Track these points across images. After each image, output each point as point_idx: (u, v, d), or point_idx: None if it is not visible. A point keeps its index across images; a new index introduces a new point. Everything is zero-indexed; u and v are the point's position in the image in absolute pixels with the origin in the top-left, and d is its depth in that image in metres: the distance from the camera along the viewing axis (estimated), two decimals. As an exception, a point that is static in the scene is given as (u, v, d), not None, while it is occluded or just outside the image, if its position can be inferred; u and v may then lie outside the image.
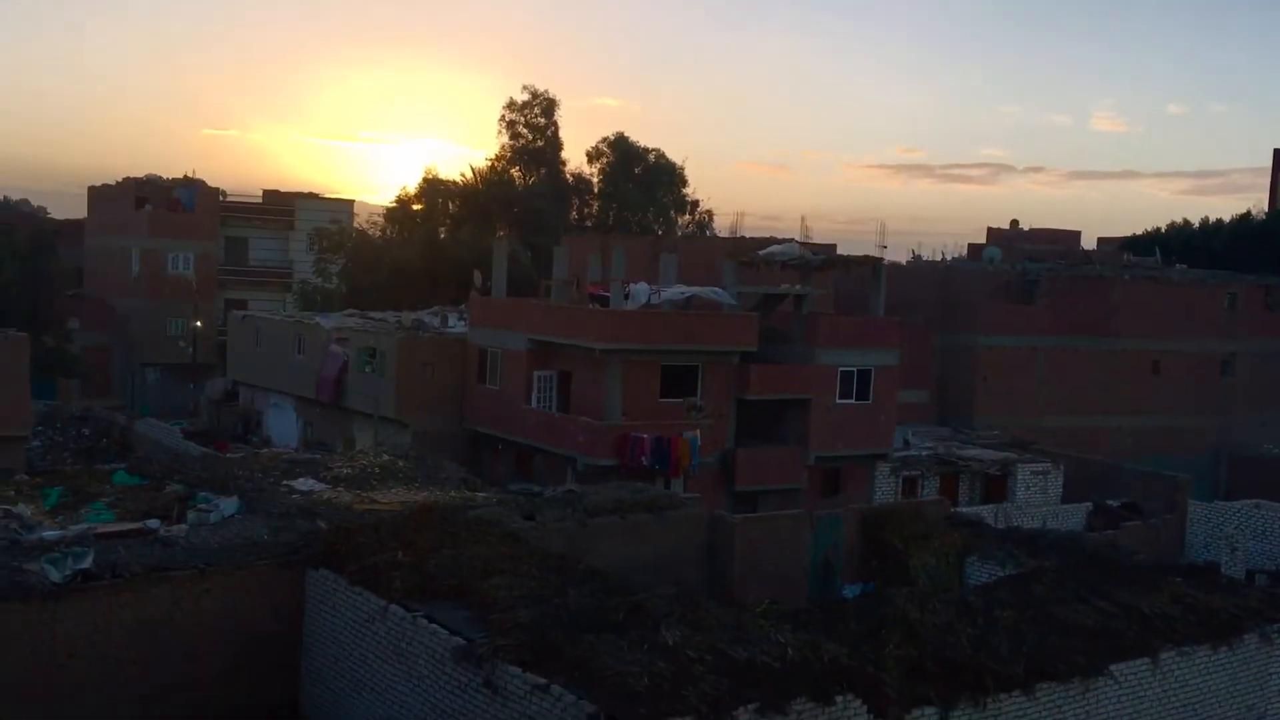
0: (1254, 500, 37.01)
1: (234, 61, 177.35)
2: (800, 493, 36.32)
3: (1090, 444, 46.13)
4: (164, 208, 61.31)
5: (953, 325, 47.30)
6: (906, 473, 38.90)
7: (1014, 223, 61.90)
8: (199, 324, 58.06)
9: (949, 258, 54.98)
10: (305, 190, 69.06)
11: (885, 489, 38.29)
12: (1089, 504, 38.44)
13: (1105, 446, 46.97)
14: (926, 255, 55.34)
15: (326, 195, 69.79)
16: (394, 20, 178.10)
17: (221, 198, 64.08)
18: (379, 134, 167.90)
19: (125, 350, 59.77)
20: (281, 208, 65.74)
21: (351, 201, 69.48)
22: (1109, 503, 38.27)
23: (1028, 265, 50.26)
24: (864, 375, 37.56)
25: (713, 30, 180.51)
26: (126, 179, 63.68)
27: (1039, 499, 39.34)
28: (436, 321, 43.87)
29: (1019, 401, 47.09)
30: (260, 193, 68.21)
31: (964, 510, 33.99)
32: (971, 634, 17.07)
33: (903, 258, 55.25)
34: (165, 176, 64.04)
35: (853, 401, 37.46)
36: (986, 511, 35.03)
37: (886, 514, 26.50)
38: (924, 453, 40.44)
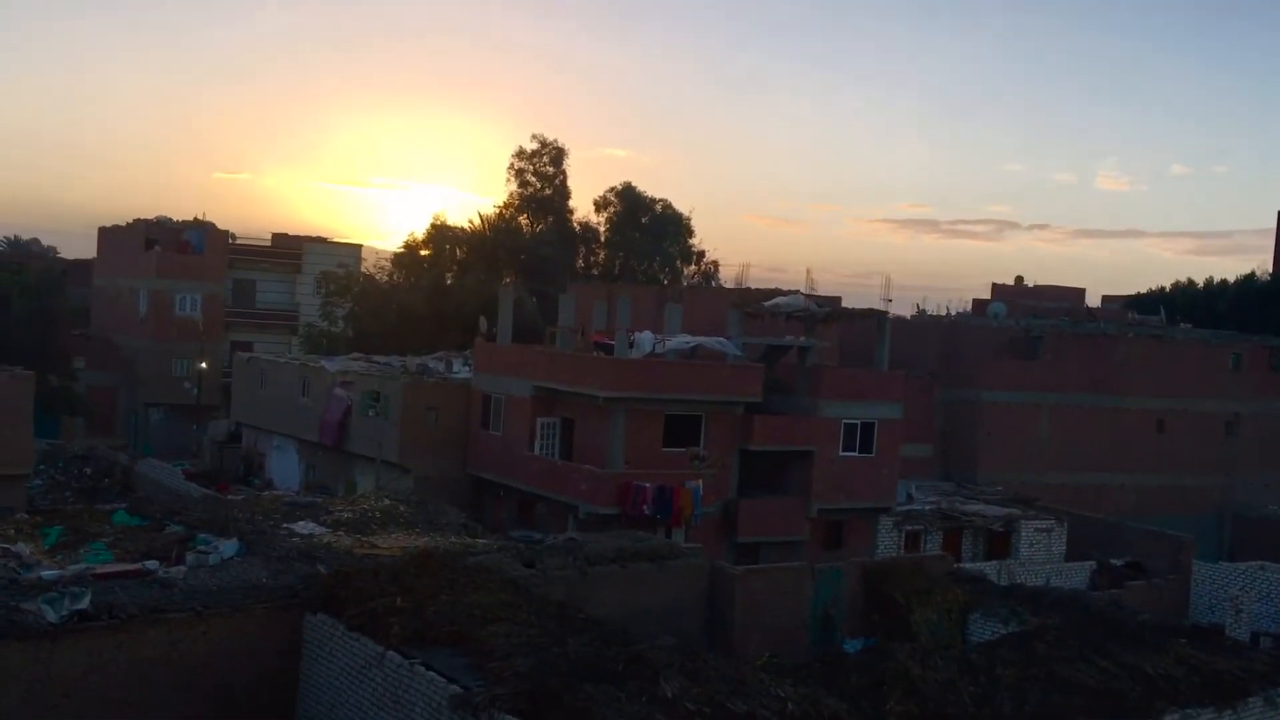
0: (1259, 562, 36.76)
1: (247, 106, 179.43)
2: (802, 545, 36.19)
3: (1094, 502, 45.95)
4: (173, 249, 61.69)
5: (957, 380, 47.31)
6: (909, 527, 38.74)
7: (1019, 279, 62.12)
8: (204, 365, 58.20)
9: (954, 312, 55.15)
10: (314, 234, 69.54)
11: (888, 543, 38.15)
12: (1092, 562, 38.21)
13: (1109, 504, 46.77)
14: (931, 310, 55.55)
15: (335, 240, 70.24)
16: (406, 68, 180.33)
17: (230, 240, 64.47)
18: (389, 180, 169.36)
19: (130, 390, 59.88)
20: (290, 251, 66.13)
21: (359, 246, 69.92)
22: (1113, 561, 38.03)
23: (1032, 321, 50.39)
24: (867, 428, 37.52)
25: (722, 84, 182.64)
26: (137, 220, 64.15)
27: (1042, 556, 39.12)
28: (441, 367, 43.96)
29: (1023, 457, 46.96)
30: (269, 236, 68.68)
31: (967, 566, 33.75)
32: (973, 691, 16.89)
33: (907, 312, 55.49)
34: (175, 218, 64.51)
35: (856, 454, 37.41)
36: (989, 568, 34.79)
37: (889, 568, 26.34)
38: (927, 507, 40.30)
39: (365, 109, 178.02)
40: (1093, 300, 61.13)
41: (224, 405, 55.71)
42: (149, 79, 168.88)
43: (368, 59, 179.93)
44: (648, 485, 33.20)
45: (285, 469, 45.03)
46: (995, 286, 61.16)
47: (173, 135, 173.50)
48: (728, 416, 35.85)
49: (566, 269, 62.72)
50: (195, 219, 64.42)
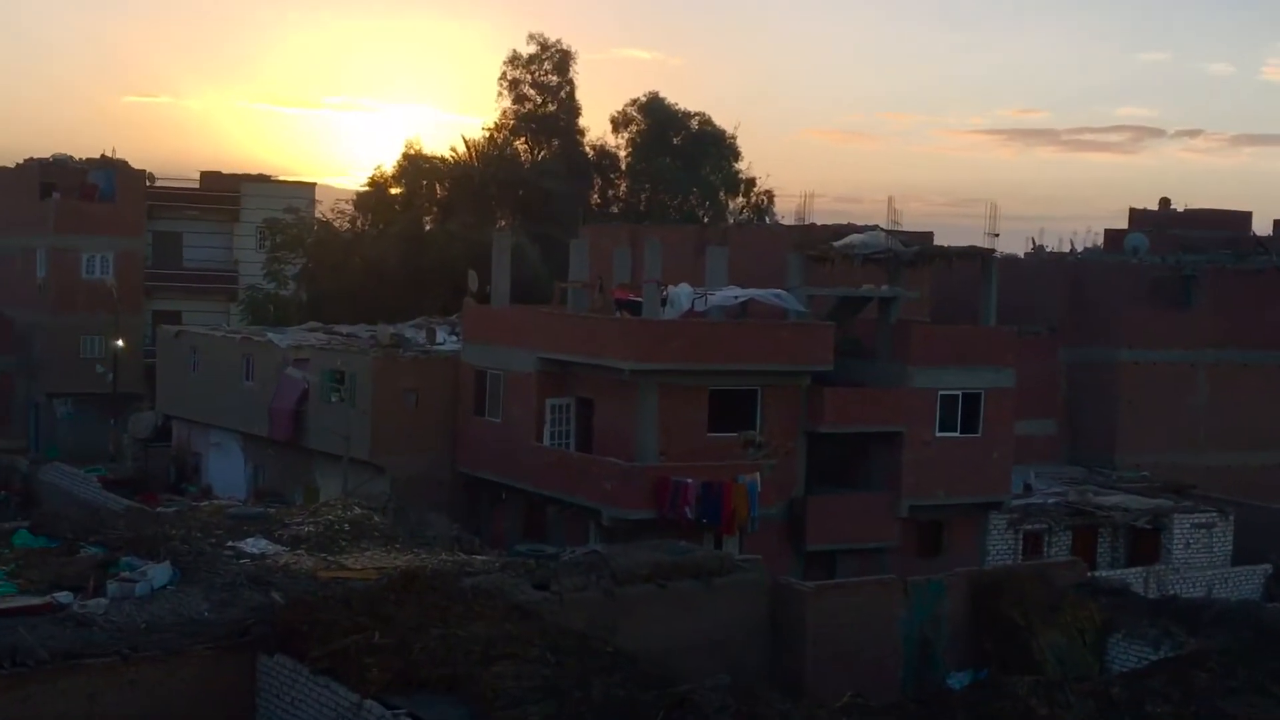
0: None
1: (163, 9, 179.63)
2: (890, 553, 36.22)
3: (1267, 488, 45.59)
4: (76, 196, 62.05)
5: (1086, 336, 47.02)
6: (1028, 526, 38.68)
7: (1164, 202, 61.50)
8: (120, 343, 58.63)
9: (1080, 248, 54.70)
10: (254, 172, 69.71)
11: (1001, 547, 38.11)
12: (1268, 565, 38.03)
13: (1288, 491, 46.41)
14: (1050, 245, 55.08)
15: (281, 178, 70.46)
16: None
17: (149, 182, 64.75)
18: (347, 99, 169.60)
19: (27, 377, 60.50)
20: (224, 194, 66.41)
21: (313, 185, 70.18)
22: (1294, 564, 37.91)
23: (1183, 258, 49.89)
24: (971, 401, 37.39)
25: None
26: (28, 160, 64.59)
27: (1202, 559, 38.99)
28: (421, 337, 44.14)
29: (1174, 433, 46.68)
30: (197, 175, 68.93)
31: (1104, 575, 33.68)
32: (1115, 735, 16.90)
33: (1020, 249, 54.98)
34: (77, 156, 64.87)
35: (957, 435, 37.29)
36: (1133, 576, 34.73)
37: (1003, 580, 26.39)
38: (1051, 500, 40.18)
39: (313, 7, 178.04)
40: (1262, 227, 60.36)
41: (148, 393, 56.16)
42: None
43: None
44: (689, 481, 33.27)
45: (227, 472, 45.39)
46: (1134, 213, 60.57)
47: (68, 48, 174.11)
48: (790, 391, 35.80)
49: (578, 207, 62.66)
50: (102, 156, 64.78)
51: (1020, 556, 37.61)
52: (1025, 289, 47.08)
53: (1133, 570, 36.97)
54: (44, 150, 76.97)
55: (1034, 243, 55.32)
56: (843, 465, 37.28)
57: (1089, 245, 55.56)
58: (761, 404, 35.59)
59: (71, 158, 64.70)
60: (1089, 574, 29.74)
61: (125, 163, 64.49)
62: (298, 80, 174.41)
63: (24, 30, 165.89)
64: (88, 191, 62.40)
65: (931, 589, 25.86)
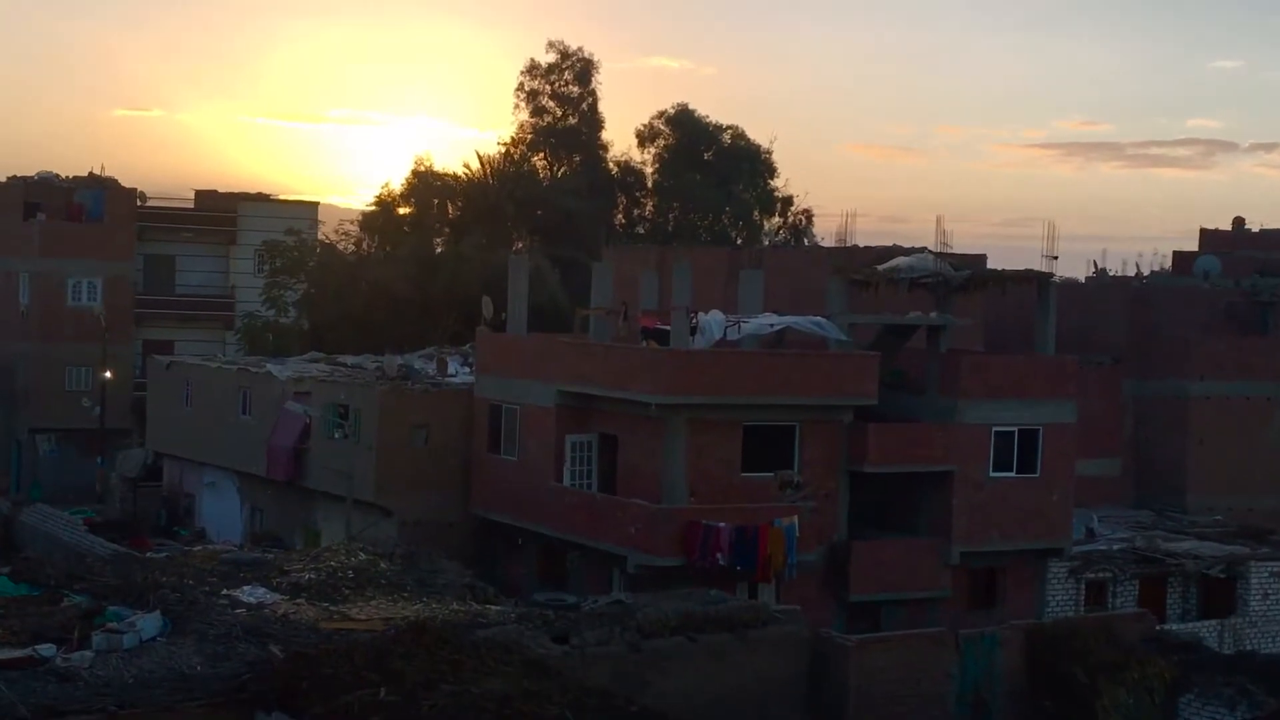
0: None
1: (156, 17, 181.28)
2: (940, 604, 36.01)
3: (1354, 533, 45.21)
4: (62, 217, 62.56)
5: (1153, 367, 46.80)
6: (1091, 574, 38.42)
7: (1238, 221, 61.29)
8: (109, 375, 58.98)
9: (1146, 272, 54.54)
10: (252, 190, 70.18)
11: (1061, 598, 37.86)
12: (1356, 619, 37.68)
13: (1376, 536, 45.98)
14: (1114, 269, 54.94)
15: (281, 197, 70.81)
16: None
17: (139, 202, 65.27)
18: (352, 112, 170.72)
19: (8, 412, 60.86)
20: (220, 214, 66.82)
21: (315, 204, 70.46)
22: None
23: (1259, 281, 49.66)
24: (1028, 437, 37.23)
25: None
26: (11, 178, 65.11)
27: (1282, 611, 38.69)
28: (431, 368, 44.26)
29: (1250, 473, 46.34)
30: (191, 194, 69.43)
31: (1175, 628, 33.46)
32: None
33: (1080, 272, 54.85)
34: (63, 174, 65.43)
35: (1013, 474, 37.11)
36: (1207, 629, 34.46)
37: (1064, 633, 26.23)
38: (1116, 546, 39.92)
39: (316, 14, 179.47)
40: (1346, 248, 60.06)
41: (137, 429, 56.41)
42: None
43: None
44: (722, 525, 33.19)
45: (222, 514, 45.50)
46: (1205, 233, 60.38)
47: (53, 58, 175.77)
48: (831, 427, 35.73)
49: (601, 227, 62.91)
50: (90, 174, 65.33)
51: (1082, 608, 37.32)
52: (1087, 316, 46.90)
53: (1206, 623, 36.65)
54: (27, 168, 77.56)
55: (1096, 266, 55.19)
56: (888, 508, 37.11)
57: (1156, 268, 55.38)
58: (800, 441, 35.49)
59: (57, 175, 65.23)
60: (1158, 627, 29.56)
61: (114, 181, 64.97)
62: (299, 92, 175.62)
63: (4, 39, 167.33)
64: (74, 212, 62.88)
65: (985, 643, 25.73)
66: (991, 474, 36.92)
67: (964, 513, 36.60)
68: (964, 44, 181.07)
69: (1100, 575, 38.49)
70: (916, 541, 36.70)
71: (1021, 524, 37.22)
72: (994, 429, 36.93)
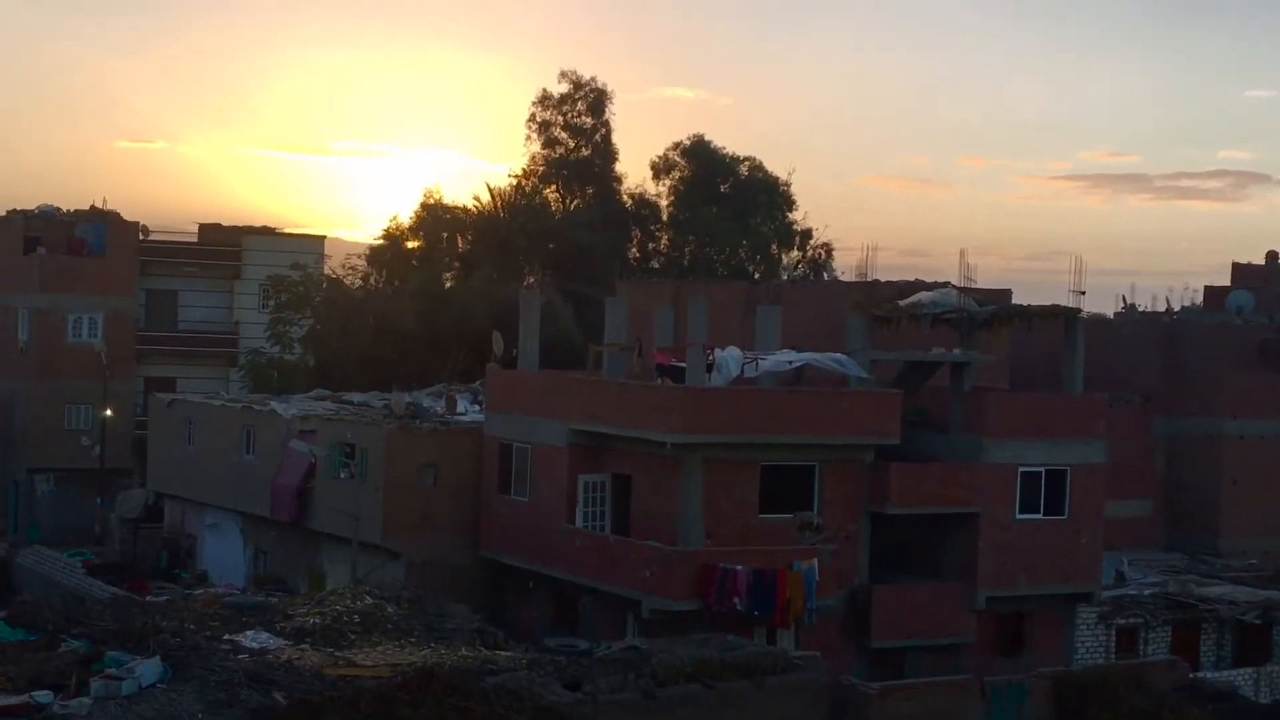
0: None
1: (159, 47, 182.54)
2: (965, 650, 35.93)
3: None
4: (62, 251, 62.85)
5: (1185, 405, 46.71)
6: (1122, 620, 38.33)
7: (1271, 255, 61.23)
8: (109, 413, 59.15)
9: (1176, 307, 54.49)
10: (257, 224, 70.46)
11: (1091, 644, 37.77)
12: (1397, 667, 37.41)
13: None
14: (1144, 304, 54.89)
15: (286, 230, 71.12)
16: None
17: (142, 236, 65.59)
18: (359, 144, 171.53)
19: (6, 451, 61.03)
20: (224, 248, 67.12)
21: (322, 238, 70.73)
22: None
23: (1294, 316, 49.59)
24: (1056, 478, 37.21)
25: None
26: (11, 212, 65.45)
27: (1321, 659, 38.46)
28: (440, 406, 44.33)
29: (1286, 515, 46.20)
30: (195, 228, 69.74)
31: (1209, 676, 33.27)
32: None
33: (1109, 308, 54.79)
34: (64, 208, 65.77)
35: (1040, 516, 37.09)
36: (1242, 678, 34.24)
37: (1093, 682, 26.12)
38: (1147, 591, 39.83)
39: (322, 43, 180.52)
40: (1384, 283, 59.95)
41: (138, 469, 56.50)
42: (22, 14, 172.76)
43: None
44: (739, 568, 33.13)
45: (225, 556, 45.53)
46: (1237, 267, 60.32)
47: (55, 90, 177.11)
48: (851, 467, 35.72)
49: (615, 261, 63.00)
50: (92, 207, 65.66)
51: (1113, 655, 37.22)
52: (1115, 353, 46.86)
53: (1241, 671, 36.42)
54: (28, 201, 77.81)
55: (1125, 301, 55.15)
56: (911, 551, 37.04)
57: (1187, 304, 55.32)
58: (819, 481, 35.49)
59: (58, 209, 65.57)
60: (1191, 675, 29.40)
61: (116, 214, 65.30)
62: (305, 124, 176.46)
63: (4, 69, 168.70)
64: (75, 246, 63.20)
65: (1012, 691, 25.62)
66: (1018, 515, 36.91)
67: (990, 555, 36.55)
68: (986, 73, 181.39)
69: (1131, 621, 38.36)
70: (941, 585, 36.62)
71: (1049, 567, 37.17)
72: (1020, 469, 36.92)
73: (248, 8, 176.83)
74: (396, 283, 62.49)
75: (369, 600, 29.52)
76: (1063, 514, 37.30)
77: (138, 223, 65.91)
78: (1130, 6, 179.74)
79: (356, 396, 47.63)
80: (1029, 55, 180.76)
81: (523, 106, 68.94)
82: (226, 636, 26.05)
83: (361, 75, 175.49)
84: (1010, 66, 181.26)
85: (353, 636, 26.74)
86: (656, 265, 67.43)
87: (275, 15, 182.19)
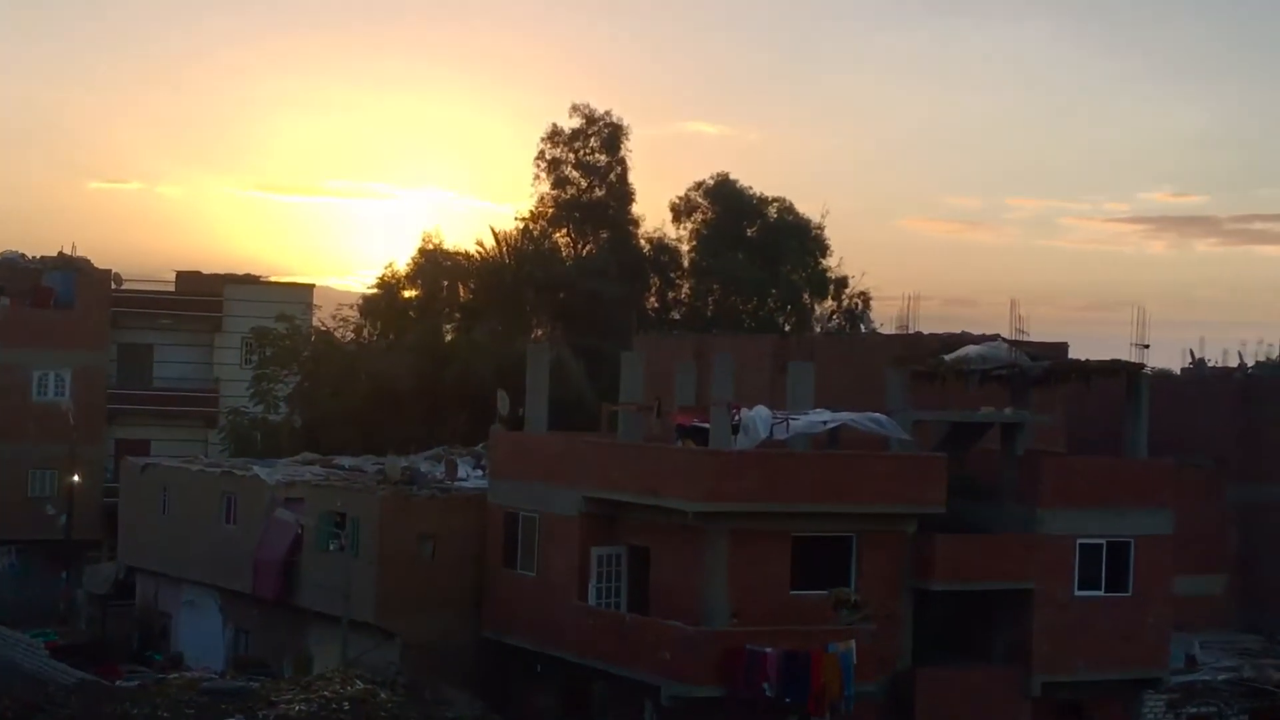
0: None
1: (134, 82, 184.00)
2: (1020, 742, 35.74)
3: None
4: (27, 302, 63.17)
5: (1261, 470, 46.56)
6: (1193, 709, 38.19)
7: (1355, 305, 61.12)
8: (76, 479, 59.26)
9: (1250, 362, 54.34)
10: (240, 271, 70.75)
11: (1159, 735, 37.57)
12: None
13: None
14: (1214, 359, 54.72)
15: (272, 278, 71.43)
16: (378, 14, 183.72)
17: (115, 285, 65.89)
18: (352, 184, 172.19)
19: (-36, 520, 61.05)
20: (203, 298, 67.39)
21: (310, 287, 71.08)
22: None
23: (1381, 373, 49.47)
24: (1118, 551, 37.15)
25: (863, 16, 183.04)
26: (-28, 259, 65.90)
27: None
28: (440, 472, 44.35)
29: (1375, 592, 45.93)
30: (172, 276, 70.05)
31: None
32: None
33: (1176, 363, 54.67)
34: (29, 254, 66.16)
35: (1101, 593, 37.06)
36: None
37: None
38: (1221, 677, 39.64)
39: (313, 76, 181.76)
40: None
41: (107, 540, 56.56)
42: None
43: (315, 4, 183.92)
44: (769, 650, 33.05)
45: (203, 637, 45.45)
46: (1317, 318, 60.23)
47: (20, 125, 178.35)
48: (893, 538, 35.66)
49: (631, 312, 63.03)
50: (60, 253, 66.02)
51: (1184, 747, 37.09)
52: (1183, 413, 46.72)
53: (1327, 765, 36.23)
54: (-10, 247, 78.31)
55: (1193, 355, 54.98)
56: (959, 631, 36.95)
57: (1261, 358, 55.15)
58: (857, 554, 35.46)
59: (23, 255, 65.99)
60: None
61: (87, 261, 65.65)
62: (293, 162, 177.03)
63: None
64: (42, 296, 63.52)
65: (1072, 788, 25.43)
66: (1077, 592, 36.87)
67: (1046, 637, 36.43)
68: (1038, 107, 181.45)
69: (1204, 710, 38.20)
70: (992, 670, 36.51)
71: (1112, 650, 37.01)
72: (1079, 541, 36.89)
73: (230, 37, 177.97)
74: (392, 336, 62.62)
75: (360, 685, 29.49)
76: (1126, 591, 37.23)
77: (110, 270, 66.24)
78: (1195, 34, 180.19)
79: (348, 461, 47.66)
80: (1085, 88, 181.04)
81: (530, 143, 68.87)
82: (204, 726, 26.00)
83: (356, 110, 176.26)
84: (1064, 100, 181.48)
85: (343, 725, 26.68)
86: (677, 316, 67.49)
87: (261, 46, 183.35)
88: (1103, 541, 37.06)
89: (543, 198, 68.11)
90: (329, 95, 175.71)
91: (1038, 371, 38.73)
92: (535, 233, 67.04)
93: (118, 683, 33.56)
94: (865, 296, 69.41)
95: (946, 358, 38.40)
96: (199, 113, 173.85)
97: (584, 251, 67.26)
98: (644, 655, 34.16)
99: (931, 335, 43.88)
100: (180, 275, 69.89)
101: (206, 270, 70.14)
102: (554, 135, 68.37)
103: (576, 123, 68.22)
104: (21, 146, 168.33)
